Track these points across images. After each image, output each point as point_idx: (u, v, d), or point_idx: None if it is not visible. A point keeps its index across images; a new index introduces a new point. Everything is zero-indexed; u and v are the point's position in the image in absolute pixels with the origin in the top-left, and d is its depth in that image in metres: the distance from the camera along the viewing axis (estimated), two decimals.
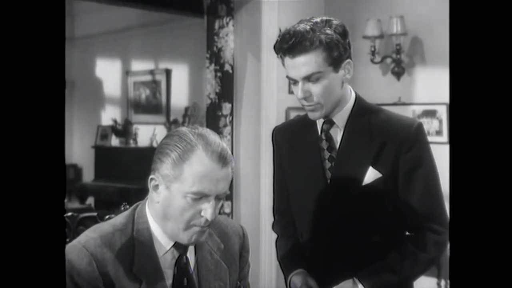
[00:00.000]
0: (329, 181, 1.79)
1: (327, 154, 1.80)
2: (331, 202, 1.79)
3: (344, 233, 1.78)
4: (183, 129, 1.46)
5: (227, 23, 4.07)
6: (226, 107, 4.13)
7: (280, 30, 1.77)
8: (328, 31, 1.67)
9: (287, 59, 1.70)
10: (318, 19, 1.70)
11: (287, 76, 1.73)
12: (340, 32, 1.69)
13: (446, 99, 3.49)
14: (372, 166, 1.74)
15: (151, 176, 1.45)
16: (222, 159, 1.41)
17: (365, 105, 1.82)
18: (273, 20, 4.00)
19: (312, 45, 1.65)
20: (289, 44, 1.66)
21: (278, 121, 3.88)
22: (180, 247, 1.50)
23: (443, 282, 3.72)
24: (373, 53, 4.12)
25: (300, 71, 1.68)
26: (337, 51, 1.68)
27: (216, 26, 4.09)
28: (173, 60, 6.72)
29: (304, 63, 1.67)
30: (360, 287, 1.73)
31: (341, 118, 1.79)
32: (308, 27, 1.67)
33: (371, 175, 1.74)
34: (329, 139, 1.80)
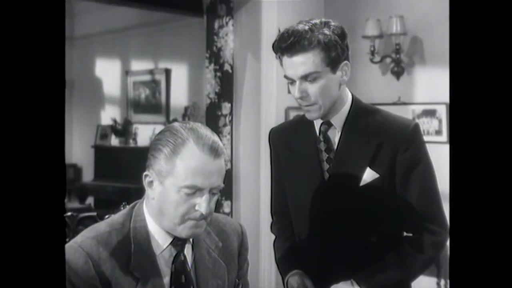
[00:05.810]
0: (327, 182, 1.79)
1: (325, 156, 1.80)
2: (329, 203, 1.79)
3: (342, 234, 1.78)
4: (175, 124, 1.48)
5: (227, 23, 4.07)
6: (226, 107, 4.13)
7: (279, 30, 1.78)
8: (327, 32, 1.68)
9: (285, 59, 1.70)
10: (317, 20, 1.71)
11: (285, 76, 1.73)
12: (338, 33, 1.70)
13: (446, 98, 3.50)
14: (370, 167, 1.74)
15: (145, 173, 1.47)
16: (214, 151, 1.42)
17: (362, 106, 1.82)
18: (273, 20, 4.00)
19: (310, 45, 1.66)
20: (288, 43, 1.67)
21: (278, 120, 3.87)
22: (177, 245, 1.50)
23: (442, 282, 3.72)
24: (372, 52, 4.12)
25: (297, 71, 1.68)
26: (335, 52, 1.68)
27: (216, 25, 4.09)
28: (172, 60, 6.71)
29: (302, 63, 1.67)
30: None
31: (338, 119, 1.79)
32: (306, 27, 1.67)
33: (368, 175, 1.74)
34: (327, 140, 1.80)
